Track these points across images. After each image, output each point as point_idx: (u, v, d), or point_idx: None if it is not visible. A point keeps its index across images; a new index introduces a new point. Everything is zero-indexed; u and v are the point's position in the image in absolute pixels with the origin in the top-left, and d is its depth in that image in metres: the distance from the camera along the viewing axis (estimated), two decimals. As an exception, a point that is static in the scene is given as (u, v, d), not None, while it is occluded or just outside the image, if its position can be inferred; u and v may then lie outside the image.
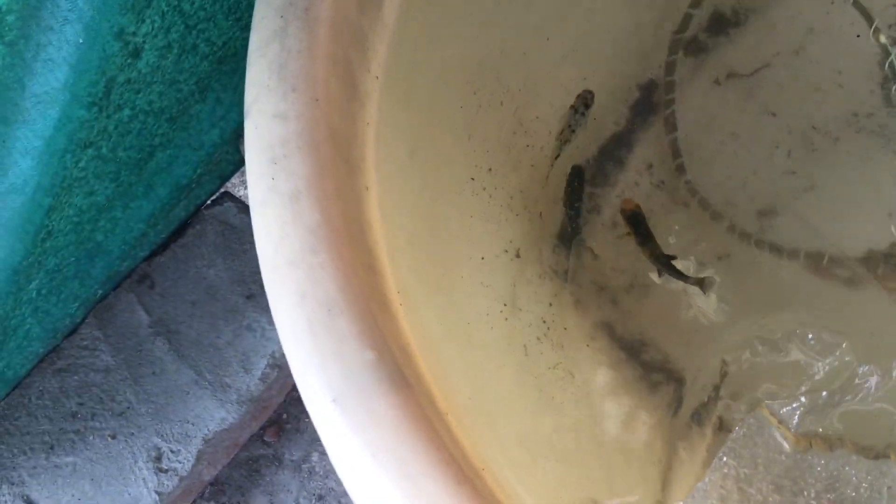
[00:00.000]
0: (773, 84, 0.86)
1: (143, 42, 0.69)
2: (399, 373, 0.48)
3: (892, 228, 0.84)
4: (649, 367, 0.83)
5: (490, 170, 0.77)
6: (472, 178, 0.75)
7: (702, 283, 0.80)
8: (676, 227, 0.86)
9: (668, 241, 0.84)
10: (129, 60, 0.69)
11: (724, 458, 0.81)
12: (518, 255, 0.81)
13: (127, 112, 0.74)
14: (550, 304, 0.82)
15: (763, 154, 0.84)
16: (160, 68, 0.74)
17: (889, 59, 0.85)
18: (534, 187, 0.83)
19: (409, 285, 0.59)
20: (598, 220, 0.84)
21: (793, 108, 0.85)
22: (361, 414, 0.47)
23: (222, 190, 0.97)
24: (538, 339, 0.79)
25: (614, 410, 0.82)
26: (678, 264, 0.80)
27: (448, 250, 0.72)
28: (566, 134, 0.81)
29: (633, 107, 0.85)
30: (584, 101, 0.81)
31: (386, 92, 0.62)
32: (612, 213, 0.84)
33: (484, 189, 0.76)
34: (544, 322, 0.80)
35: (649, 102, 0.86)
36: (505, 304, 0.77)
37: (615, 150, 0.84)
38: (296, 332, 0.49)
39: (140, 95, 0.74)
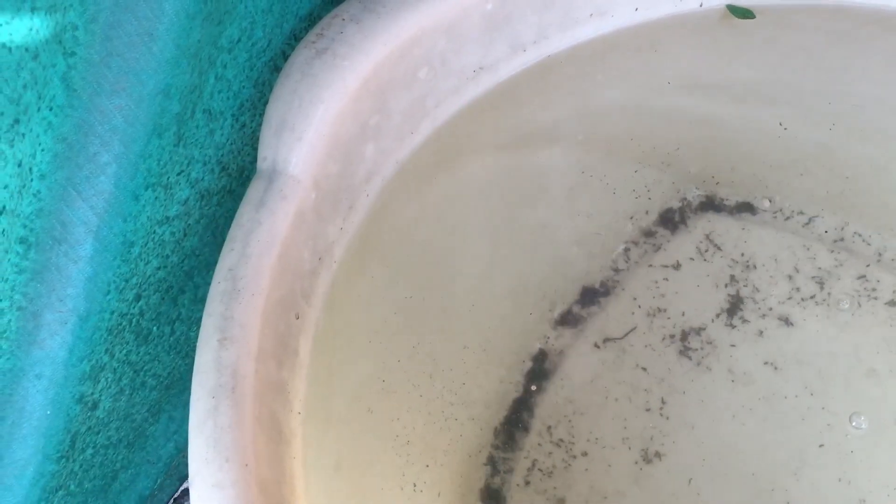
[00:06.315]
0: (640, 343, 1.01)
1: (100, 396, 0.80)
2: None
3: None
4: None
5: (427, 466, 0.88)
6: (403, 474, 0.86)
7: None
8: (576, 479, 0.97)
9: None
10: (89, 413, 0.80)
11: None
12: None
13: (90, 452, 0.84)
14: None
15: (640, 402, 0.98)
16: (115, 409, 0.85)
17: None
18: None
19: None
20: (513, 481, 0.95)
21: (657, 363, 1.00)
22: None
23: (182, 487, 1.06)
24: None
25: None
26: None
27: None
28: None
29: (527, 374, 0.99)
30: None
31: (308, 422, 0.74)
32: (525, 474, 0.95)
33: (414, 486, 0.87)
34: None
35: (542, 370, 0.99)
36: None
37: (519, 415, 0.97)
38: None
39: (100, 435, 0.85)
